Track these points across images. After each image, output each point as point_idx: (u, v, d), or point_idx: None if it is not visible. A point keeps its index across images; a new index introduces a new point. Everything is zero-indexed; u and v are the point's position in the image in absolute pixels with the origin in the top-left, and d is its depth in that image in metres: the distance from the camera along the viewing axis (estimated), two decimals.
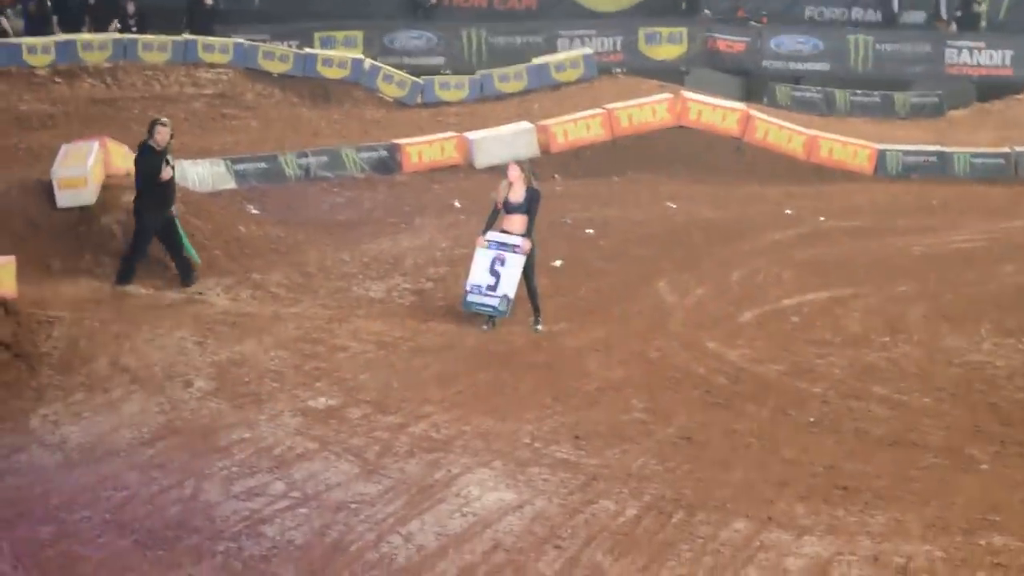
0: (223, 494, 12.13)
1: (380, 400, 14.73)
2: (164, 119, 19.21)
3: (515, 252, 17.72)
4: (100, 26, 31.82)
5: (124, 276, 18.84)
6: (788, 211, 24.98)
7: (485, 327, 17.70)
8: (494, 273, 17.76)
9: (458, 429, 13.97)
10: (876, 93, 34.22)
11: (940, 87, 34.81)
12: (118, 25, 32.04)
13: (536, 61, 33.07)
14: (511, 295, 17.75)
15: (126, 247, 19.13)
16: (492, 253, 17.81)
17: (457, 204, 24.49)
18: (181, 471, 12.60)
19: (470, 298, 17.92)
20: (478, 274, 17.84)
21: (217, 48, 31.28)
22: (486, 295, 17.81)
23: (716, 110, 28.85)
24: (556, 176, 26.58)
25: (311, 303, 18.64)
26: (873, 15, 36.85)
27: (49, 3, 32.05)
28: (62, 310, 16.96)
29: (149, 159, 18.68)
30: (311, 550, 11.18)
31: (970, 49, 35.48)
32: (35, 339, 15.88)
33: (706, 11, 36.27)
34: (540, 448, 13.59)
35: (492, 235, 17.87)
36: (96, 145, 21.04)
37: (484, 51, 34.43)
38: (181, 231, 19.09)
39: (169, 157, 18.86)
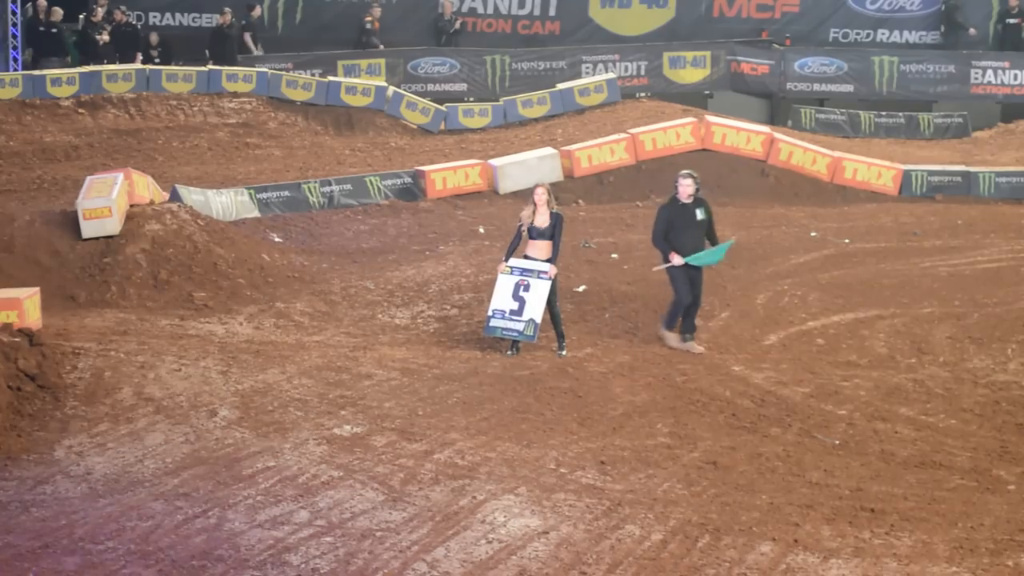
0: (248, 523, 12.12)
1: (405, 427, 14.72)
2: None
3: (541, 278, 17.72)
4: (124, 57, 32.02)
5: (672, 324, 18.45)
6: (813, 233, 24.89)
7: (509, 353, 17.68)
8: (518, 298, 17.74)
9: (483, 456, 13.97)
10: (901, 114, 34.18)
11: (965, 107, 34.76)
12: (152, 55, 32.33)
13: (560, 86, 33.15)
14: (537, 319, 17.73)
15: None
16: (515, 278, 17.80)
17: (481, 230, 24.47)
18: (206, 500, 12.61)
19: (493, 323, 17.89)
20: (501, 299, 17.81)
21: (240, 77, 31.40)
22: (510, 320, 17.78)
23: (740, 133, 28.74)
24: (579, 201, 26.55)
25: (335, 331, 18.65)
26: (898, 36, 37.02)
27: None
28: (87, 341, 16.99)
29: None
30: None
31: (995, 69, 35.42)
32: (60, 370, 15.89)
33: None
34: (565, 474, 13.57)
35: (515, 261, 17.87)
36: (120, 176, 21.14)
37: (507, 77, 34.47)
38: None
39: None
